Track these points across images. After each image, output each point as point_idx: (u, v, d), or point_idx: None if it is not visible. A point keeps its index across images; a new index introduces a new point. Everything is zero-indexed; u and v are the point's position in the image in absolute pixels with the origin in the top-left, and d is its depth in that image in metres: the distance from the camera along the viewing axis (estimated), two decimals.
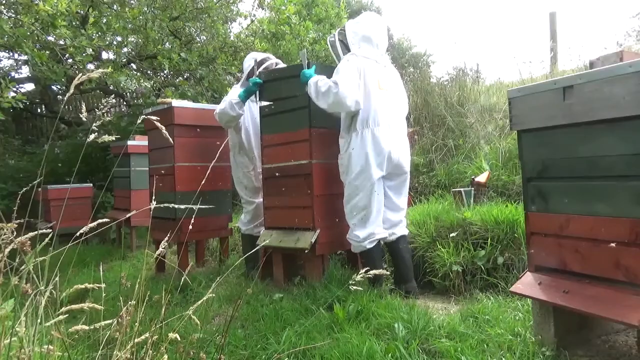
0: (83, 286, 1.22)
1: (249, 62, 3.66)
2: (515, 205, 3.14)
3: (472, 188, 3.60)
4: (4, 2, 5.56)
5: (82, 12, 6.18)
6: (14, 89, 5.45)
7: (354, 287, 1.60)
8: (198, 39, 7.34)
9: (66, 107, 10.13)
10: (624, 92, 1.58)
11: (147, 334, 1.24)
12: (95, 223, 1.27)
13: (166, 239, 1.46)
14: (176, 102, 3.89)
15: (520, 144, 2.03)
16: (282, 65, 3.72)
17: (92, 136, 1.29)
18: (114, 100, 9.36)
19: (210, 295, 1.40)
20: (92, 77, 1.25)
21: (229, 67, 6.88)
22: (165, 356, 1.22)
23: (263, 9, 7.56)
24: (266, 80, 3.37)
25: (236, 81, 6.09)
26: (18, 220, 1.21)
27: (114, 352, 1.19)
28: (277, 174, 3.29)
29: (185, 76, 7.64)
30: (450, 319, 2.31)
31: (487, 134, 4.62)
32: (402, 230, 3.05)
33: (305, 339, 2.17)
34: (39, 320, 1.11)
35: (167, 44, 6.72)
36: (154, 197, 1.69)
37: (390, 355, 1.96)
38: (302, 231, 3.09)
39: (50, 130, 10.07)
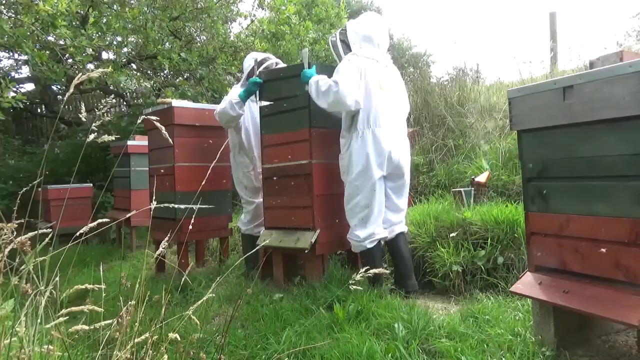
0: (83, 286, 1.22)
1: (249, 62, 3.66)
2: (515, 205, 3.14)
3: (472, 188, 3.60)
4: (4, 2, 5.56)
5: (82, 12, 6.18)
6: (14, 89, 5.44)
7: (354, 287, 1.60)
8: (198, 39, 7.34)
9: (66, 107, 10.13)
10: (624, 92, 1.58)
11: (147, 334, 1.24)
12: (95, 223, 1.27)
13: (166, 239, 1.46)
14: (176, 102, 3.89)
15: (520, 144, 2.03)
16: (282, 65, 3.72)
17: (92, 136, 1.29)
18: (114, 100, 9.37)
19: (210, 295, 1.40)
20: (92, 77, 1.25)
21: (229, 67, 6.88)
22: (165, 356, 1.22)
23: (263, 9, 7.56)
24: (266, 80, 3.37)
25: (236, 81, 6.09)
26: (18, 220, 1.21)
27: (114, 352, 1.19)
28: (277, 174, 3.29)
29: (185, 76, 7.64)
30: (450, 319, 2.31)
31: (487, 134, 4.62)
32: (401, 227, 3.05)
33: (305, 339, 2.17)
34: (39, 320, 1.11)
35: (167, 44, 6.72)
36: (154, 197, 1.69)
37: (390, 355, 1.96)
38: (302, 231, 3.09)
39: (50, 130, 10.07)
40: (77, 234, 1.22)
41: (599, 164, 1.71)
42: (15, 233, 1.15)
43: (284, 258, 3.28)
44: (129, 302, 1.25)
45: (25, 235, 1.16)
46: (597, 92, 1.67)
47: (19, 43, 4.84)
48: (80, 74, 1.27)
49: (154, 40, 6.43)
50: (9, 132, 9.83)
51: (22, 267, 1.16)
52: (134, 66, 7.62)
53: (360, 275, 1.58)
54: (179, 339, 1.27)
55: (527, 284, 1.96)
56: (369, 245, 2.91)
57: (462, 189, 3.58)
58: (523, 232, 2.76)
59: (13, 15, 5.53)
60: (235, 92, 3.53)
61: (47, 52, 5.49)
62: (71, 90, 1.31)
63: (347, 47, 3.03)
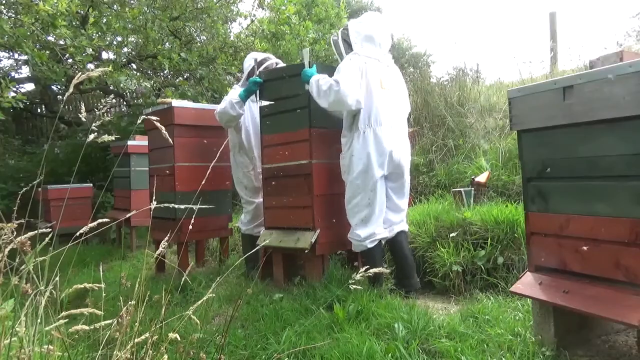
0: (83, 286, 1.22)
1: (249, 62, 3.66)
2: (515, 205, 3.14)
3: (472, 188, 3.60)
4: (4, 2, 5.56)
5: (82, 12, 6.18)
6: (14, 89, 5.44)
7: (354, 287, 1.60)
8: (198, 39, 7.34)
9: (66, 107, 10.13)
10: (624, 92, 1.58)
11: (147, 334, 1.24)
12: (95, 223, 1.27)
13: (166, 239, 1.46)
14: (176, 102, 3.89)
15: (520, 144, 2.03)
16: (282, 65, 3.71)
17: (92, 136, 1.29)
18: (114, 100, 9.38)
19: (210, 295, 1.40)
20: (92, 77, 1.25)
21: (229, 67, 6.88)
22: (165, 356, 1.22)
23: (263, 9, 7.56)
24: (266, 80, 3.37)
25: (236, 81, 6.10)
26: (18, 220, 1.21)
27: (114, 352, 1.19)
28: (277, 174, 3.29)
29: (185, 76, 7.64)
30: (450, 319, 2.31)
31: (487, 133, 4.62)
32: (401, 226, 3.06)
33: (305, 339, 2.17)
34: (39, 320, 1.11)
35: (167, 44, 6.72)
36: (154, 197, 1.69)
37: (390, 355, 1.96)
38: (302, 231, 3.09)
39: (50, 130, 10.07)
40: (77, 234, 1.22)
41: (599, 164, 1.71)
42: (15, 233, 1.15)
43: (284, 258, 3.28)
44: (129, 302, 1.25)
45: (25, 235, 1.16)
46: (597, 92, 1.66)
47: (19, 43, 4.84)
48: (80, 73, 1.27)
49: (154, 40, 6.43)
50: (9, 132, 9.83)
51: (22, 267, 1.16)
52: (134, 66, 7.62)
53: (360, 274, 1.58)
54: (179, 339, 1.27)
55: (527, 284, 1.96)
56: (370, 245, 2.92)
57: (462, 189, 3.58)
58: (523, 232, 2.76)
59: (13, 15, 5.53)
60: (235, 92, 3.54)
61: (47, 52, 5.50)
62: (71, 89, 1.31)
63: (349, 47, 3.03)
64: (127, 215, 1.59)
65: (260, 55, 3.71)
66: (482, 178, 3.65)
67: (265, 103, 3.46)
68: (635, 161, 1.59)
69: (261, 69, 3.57)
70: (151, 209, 1.46)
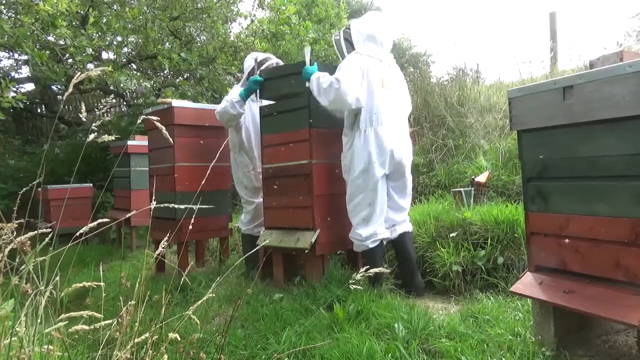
0: (82, 285, 1.22)
1: (249, 62, 3.66)
2: (515, 205, 3.14)
3: (472, 188, 3.60)
4: (4, 2, 5.56)
5: (82, 12, 6.18)
6: (14, 89, 5.45)
7: (354, 287, 1.60)
8: (198, 39, 7.35)
9: (66, 107, 10.14)
10: (624, 92, 1.58)
11: (147, 334, 1.24)
12: (95, 223, 1.27)
13: (166, 238, 1.46)
14: (176, 102, 3.89)
15: (520, 144, 2.03)
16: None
17: (92, 136, 1.29)
18: (114, 100, 9.37)
19: (210, 295, 1.40)
20: (92, 76, 1.25)
21: (229, 67, 6.88)
22: (165, 356, 1.22)
23: (263, 9, 7.56)
24: (266, 79, 3.37)
25: (236, 81, 6.09)
26: (18, 220, 1.21)
27: (114, 352, 1.18)
28: (277, 174, 3.29)
29: (185, 76, 7.64)
30: (450, 319, 2.31)
31: (487, 133, 4.62)
32: (405, 226, 3.06)
33: (305, 339, 2.17)
34: (39, 320, 1.11)
35: (167, 44, 6.73)
36: (154, 197, 1.69)
37: (390, 355, 1.96)
38: (302, 231, 3.09)
39: (50, 130, 10.07)
40: (77, 234, 1.22)
41: (599, 164, 1.71)
42: (15, 233, 1.15)
43: (284, 258, 3.28)
44: (129, 302, 1.25)
45: (25, 235, 1.16)
46: (597, 92, 1.66)
47: (19, 43, 4.84)
48: (80, 73, 1.27)
49: (154, 40, 6.43)
50: (9, 132, 9.83)
51: (22, 267, 1.16)
52: (134, 66, 7.62)
53: (361, 274, 1.58)
54: (179, 339, 1.27)
55: (527, 284, 1.96)
56: (371, 245, 2.92)
57: (462, 189, 3.58)
58: (523, 232, 2.76)
59: (13, 15, 5.54)
60: (235, 91, 3.53)
61: (47, 52, 5.50)
62: (70, 89, 1.31)
63: (351, 46, 3.03)
64: (127, 215, 1.59)
65: (260, 55, 3.71)
66: (482, 178, 3.65)
67: (265, 102, 3.46)
68: (635, 161, 1.59)
69: (262, 68, 3.57)
70: (151, 209, 1.46)
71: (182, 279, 1.56)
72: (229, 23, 7.65)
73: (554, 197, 1.89)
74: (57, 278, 1.20)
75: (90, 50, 5.54)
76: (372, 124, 2.88)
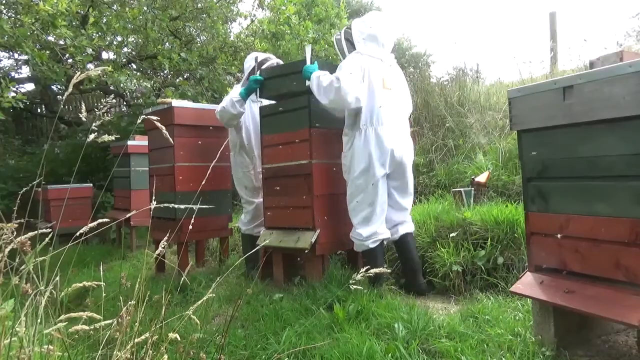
0: (82, 284, 1.22)
1: (250, 62, 3.65)
2: (515, 205, 3.14)
3: (472, 188, 3.60)
4: (4, 2, 5.57)
5: (82, 12, 6.18)
6: (14, 89, 5.44)
7: (354, 287, 1.60)
8: (198, 39, 7.35)
9: (66, 107, 10.14)
10: (624, 92, 1.58)
11: (147, 334, 1.24)
12: (95, 223, 1.27)
13: (165, 238, 1.46)
14: (176, 102, 3.89)
15: (520, 144, 2.03)
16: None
17: (92, 136, 1.29)
18: (114, 100, 9.36)
19: (210, 295, 1.40)
20: (92, 76, 1.25)
21: (229, 67, 6.89)
22: (165, 356, 1.22)
23: (263, 9, 7.56)
24: (267, 78, 3.37)
25: (236, 81, 6.10)
26: (18, 220, 1.21)
27: (114, 352, 1.19)
28: (277, 174, 3.29)
29: (185, 76, 7.64)
30: (450, 319, 2.31)
31: (487, 134, 4.62)
32: (407, 227, 3.06)
33: (305, 339, 2.17)
34: (39, 320, 1.11)
35: (167, 44, 6.73)
36: (154, 197, 1.69)
37: (390, 355, 1.96)
38: (302, 231, 3.09)
39: (50, 130, 10.07)
40: (77, 234, 1.22)
41: (599, 164, 1.71)
42: (15, 233, 1.15)
43: (284, 258, 3.28)
44: (129, 302, 1.25)
45: (25, 235, 1.16)
46: (597, 92, 1.66)
47: (19, 43, 4.85)
48: (80, 73, 1.27)
49: (154, 40, 6.43)
50: (9, 132, 9.83)
51: (22, 267, 1.16)
52: (134, 66, 7.62)
53: (361, 275, 1.58)
54: (179, 339, 1.27)
55: (527, 284, 1.96)
56: (372, 245, 2.92)
57: (462, 189, 3.58)
58: (523, 232, 2.76)
59: (13, 15, 5.54)
60: (236, 91, 3.53)
61: (47, 52, 5.50)
62: (70, 89, 1.31)
63: (352, 46, 3.03)
64: (127, 215, 1.59)
65: (261, 55, 3.70)
66: (482, 178, 3.65)
67: (265, 102, 3.46)
68: (635, 161, 1.59)
69: (262, 68, 3.56)
70: (151, 209, 1.46)
71: (182, 279, 1.56)
72: (229, 23, 7.66)
73: (554, 197, 1.89)
74: (57, 278, 1.20)
75: (90, 50, 5.55)
76: (373, 123, 2.88)
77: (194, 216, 1.58)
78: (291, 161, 3.18)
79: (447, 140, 4.77)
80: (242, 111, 3.48)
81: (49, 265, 1.19)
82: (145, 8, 6.14)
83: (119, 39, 6.73)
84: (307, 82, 2.95)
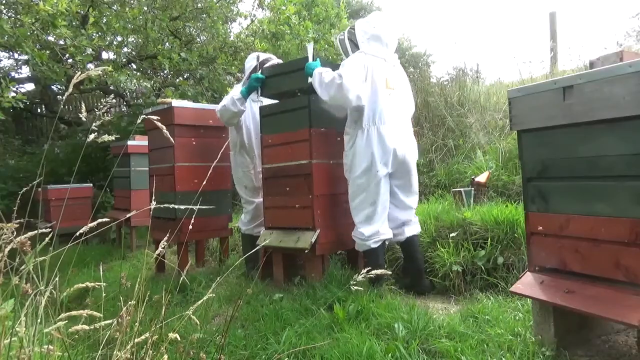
0: (83, 285, 1.22)
1: (251, 62, 3.65)
2: (515, 205, 3.14)
3: (472, 188, 3.60)
4: (4, 2, 5.57)
5: (82, 12, 6.18)
6: (14, 89, 5.45)
7: (355, 287, 1.60)
8: (198, 39, 7.35)
9: (66, 107, 10.14)
10: (624, 92, 1.58)
11: (147, 334, 1.24)
12: (95, 223, 1.27)
13: (165, 238, 1.46)
14: (176, 102, 3.88)
15: (520, 144, 2.03)
16: None
17: (92, 136, 1.29)
18: (114, 100, 9.35)
19: (210, 295, 1.40)
20: (92, 76, 1.25)
21: (229, 67, 6.89)
22: (165, 356, 1.22)
23: (263, 9, 7.56)
24: (268, 76, 3.36)
25: (236, 81, 6.10)
26: (18, 220, 1.21)
27: (114, 352, 1.18)
28: (277, 174, 3.29)
29: (185, 76, 7.64)
30: (450, 319, 2.31)
31: (487, 133, 4.62)
32: (414, 229, 3.06)
33: (305, 339, 2.17)
34: (39, 320, 1.11)
35: (167, 44, 6.73)
36: (154, 197, 1.69)
37: (390, 355, 1.96)
38: (302, 231, 3.09)
39: (50, 130, 10.07)
40: (77, 234, 1.22)
41: (599, 164, 1.71)
42: (15, 233, 1.15)
43: (284, 258, 3.28)
44: (129, 302, 1.25)
45: (25, 235, 1.16)
46: (597, 92, 1.66)
47: (19, 43, 4.84)
48: (80, 73, 1.27)
49: (154, 40, 6.43)
50: (9, 132, 9.83)
51: (22, 267, 1.16)
52: (134, 66, 7.62)
53: (362, 276, 1.58)
54: (179, 339, 1.27)
55: (527, 284, 1.96)
56: (373, 245, 2.91)
57: (462, 189, 3.58)
58: (523, 232, 2.76)
59: (13, 15, 5.54)
60: (236, 90, 3.53)
61: (47, 52, 5.49)
62: (70, 89, 1.31)
63: (355, 47, 3.03)
64: (127, 215, 1.58)
65: (262, 55, 3.70)
66: (482, 178, 3.66)
67: (266, 102, 3.45)
68: (635, 161, 1.59)
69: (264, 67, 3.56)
70: (151, 209, 1.46)
71: (181, 279, 1.56)
72: (229, 23, 7.66)
73: (554, 197, 1.89)
74: (57, 278, 1.20)
75: (90, 50, 5.55)
76: (375, 122, 2.88)
77: (194, 216, 1.58)
78: (291, 161, 3.18)
79: (447, 140, 4.78)
80: (242, 109, 3.47)
81: (49, 265, 1.19)
82: (145, 8, 6.14)
83: (119, 39, 6.73)
84: (309, 79, 2.95)
